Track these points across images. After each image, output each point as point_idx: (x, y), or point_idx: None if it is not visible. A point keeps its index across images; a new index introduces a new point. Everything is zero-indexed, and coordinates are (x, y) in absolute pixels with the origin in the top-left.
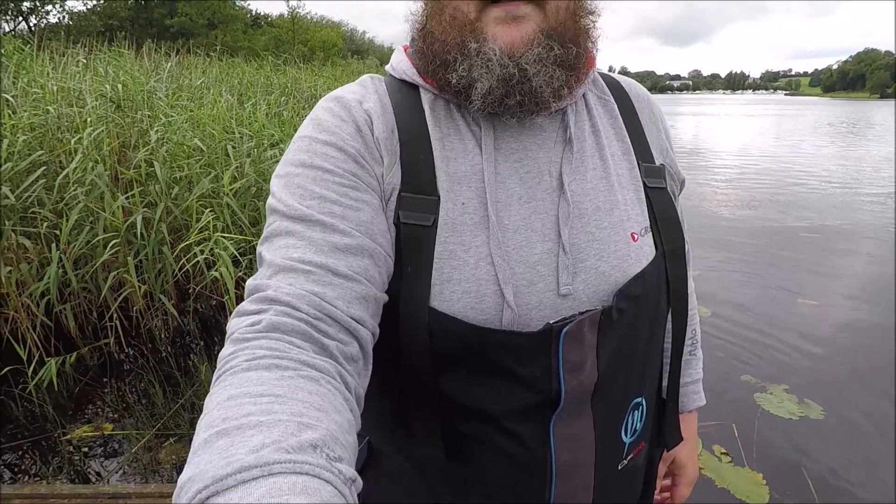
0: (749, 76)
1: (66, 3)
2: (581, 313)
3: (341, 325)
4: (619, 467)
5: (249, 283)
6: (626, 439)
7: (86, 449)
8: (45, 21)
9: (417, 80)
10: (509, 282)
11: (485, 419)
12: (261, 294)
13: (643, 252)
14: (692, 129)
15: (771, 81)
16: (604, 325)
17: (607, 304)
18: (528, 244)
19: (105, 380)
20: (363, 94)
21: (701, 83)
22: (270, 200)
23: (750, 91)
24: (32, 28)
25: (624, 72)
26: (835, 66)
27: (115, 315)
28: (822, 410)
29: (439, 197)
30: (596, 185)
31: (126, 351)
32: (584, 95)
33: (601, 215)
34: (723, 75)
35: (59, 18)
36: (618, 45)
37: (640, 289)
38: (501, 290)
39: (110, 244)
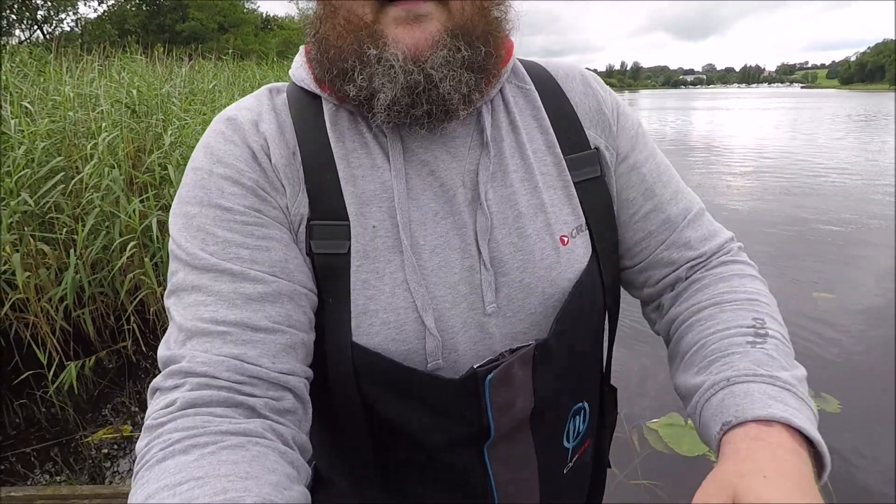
0: (764, 69)
1: (80, 10)
2: (512, 350)
3: (270, 383)
4: (565, 471)
5: (161, 351)
6: (570, 444)
7: (106, 450)
8: (59, 29)
9: (315, 89)
10: (429, 307)
11: (418, 449)
12: (175, 367)
13: (575, 256)
14: (706, 123)
15: (787, 74)
16: (539, 357)
17: (541, 338)
18: (448, 264)
19: (123, 382)
20: (259, 113)
21: (715, 77)
22: (171, 245)
23: (765, 84)
24: (47, 36)
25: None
26: (853, 58)
27: (132, 318)
28: (839, 404)
29: (348, 223)
30: (517, 189)
31: (143, 352)
32: (500, 89)
33: (524, 222)
34: (737, 69)
35: (72, 26)
36: (631, 41)
37: (577, 303)
38: (421, 318)
39: (128, 247)
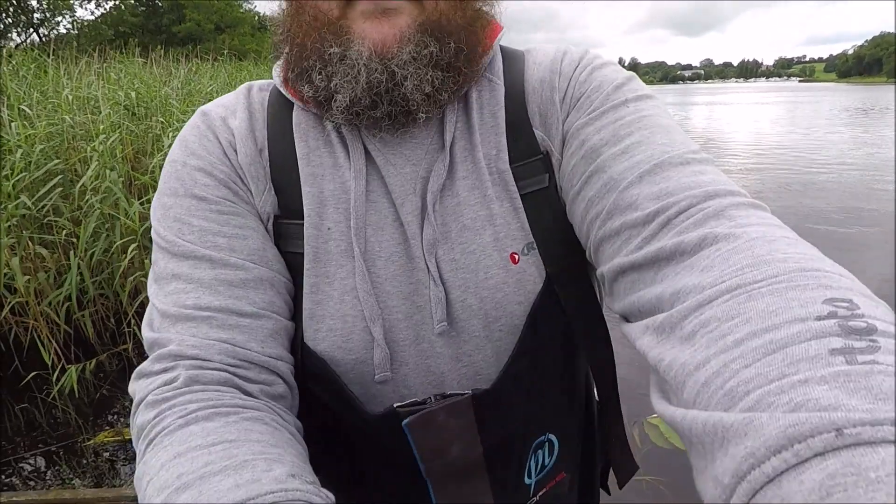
0: (762, 64)
1: (76, 13)
2: (444, 396)
3: (261, 367)
4: None
5: (146, 333)
6: (532, 480)
7: (107, 454)
8: (55, 32)
9: (281, 87)
10: (378, 318)
11: (360, 470)
12: (164, 350)
13: (526, 276)
14: (705, 119)
15: (784, 68)
16: (483, 405)
17: (479, 389)
18: (403, 273)
19: (124, 384)
20: (233, 109)
21: (713, 72)
22: (153, 235)
23: (763, 79)
24: (43, 39)
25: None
26: (850, 51)
27: (132, 320)
28: None
29: (304, 222)
30: (465, 199)
31: (145, 355)
32: None
33: (468, 236)
34: (735, 64)
35: (69, 28)
36: (629, 37)
37: (531, 342)
38: (369, 328)
39: (129, 249)
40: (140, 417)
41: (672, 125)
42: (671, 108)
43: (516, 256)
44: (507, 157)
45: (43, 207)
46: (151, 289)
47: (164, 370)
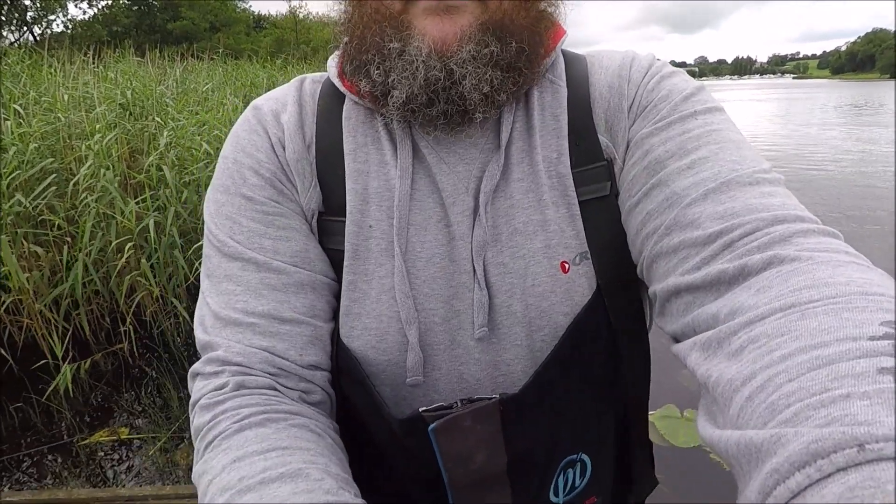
0: (756, 60)
1: (69, 11)
2: (471, 400)
3: (299, 377)
4: None
5: (199, 334)
6: (559, 499)
7: (103, 453)
8: (49, 31)
9: (336, 81)
10: (414, 321)
11: (387, 474)
12: (213, 354)
13: (575, 287)
14: None
15: (778, 65)
16: (510, 412)
17: (507, 394)
18: (444, 275)
19: (120, 384)
20: (284, 103)
21: (707, 69)
22: (205, 229)
23: (757, 75)
24: (37, 38)
25: None
26: (843, 48)
27: (128, 319)
28: None
29: (346, 219)
30: (519, 202)
31: (140, 353)
32: None
33: (519, 240)
34: (729, 61)
35: (63, 27)
36: (625, 34)
37: (569, 352)
38: (404, 329)
39: (126, 248)
40: (197, 419)
41: (742, 141)
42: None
43: (567, 265)
44: (568, 162)
45: (38, 206)
46: (204, 283)
47: (215, 373)
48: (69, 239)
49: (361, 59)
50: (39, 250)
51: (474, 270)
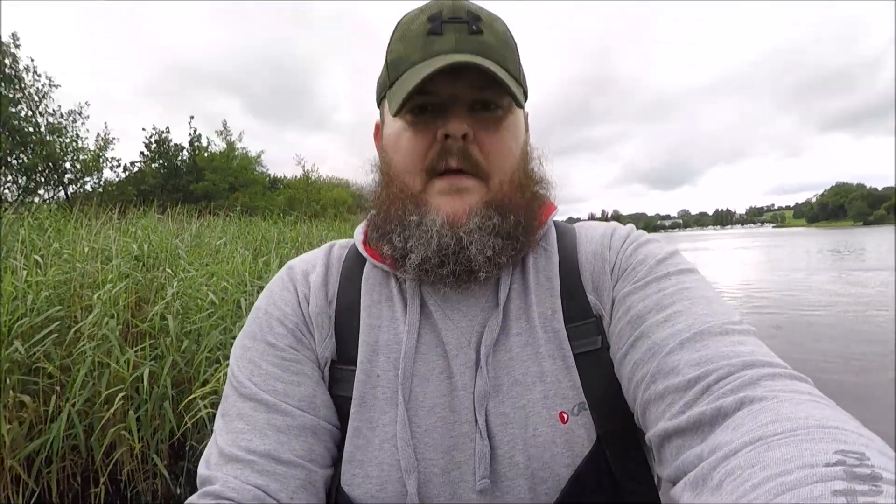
0: (735, 212)
1: (105, 175)
2: None
3: None
4: None
5: (201, 469)
6: None
7: None
8: (82, 190)
9: (361, 249)
10: (413, 470)
11: None
12: (210, 488)
13: (575, 437)
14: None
15: (756, 216)
16: None
17: None
18: (445, 425)
19: None
20: (314, 264)
21: (691, 221)
22: (229, 371)
23: (738, 225)
24: (69, 196)
25: (616, 215)
26: (814, 199)
27: (102, 480)
28: None
29: (356, 368)
30: (518, 354)
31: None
32: None
33: (519, 391)
34: (710, 213)
35: (94, 187)
36: (610, 191)
37: (571, 501)
38: (403, 479)
39: (116, 398)
40: None
41: (713, 297)
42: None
43: (565, 415)
44: (561, 318)
45: (34, 354)
46: (218, 423)
47: None
48: (58, 388)
49: (386, 229)
50: (27, 399)
51: (476, 420)
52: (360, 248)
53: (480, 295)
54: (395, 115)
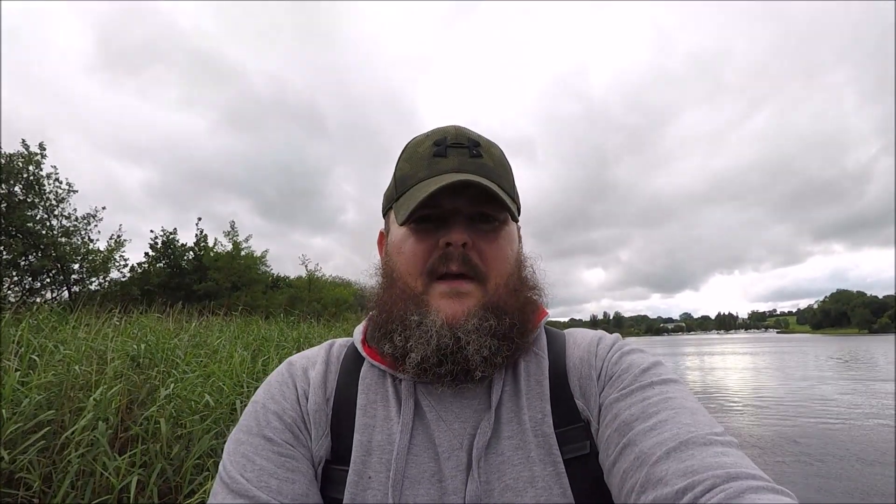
0: (738, 316)
1: (112, 275)
2: None
3: None
4: None
5: None
6: None
7: None
8: (86, 290)
9: (359, 346)
10: None
11: None
12: None
13: None
14: (699, 370)
15: (759, 321)
16: None
17: None
18: None
19: None
20: (315, 361)
21: (694, 324)
22: (220, 466)
23: (742, 330)
24: (73, 295)
25: (618, 318)
26: (815, 305)
27: None
28: None
29: (349, 469)
30: (509, 458)
31: None
32: None
33: (510, 496)
34: (713, 317)
35: (98, 287)
36: (611, 293)
37: None
38: None
39: None
40: None
41: (696, 407)
42: (664, 360)
43: None
44: (551, 422)
45: (20, 462)
46: None
47: None
48: (37, 501)
49: (388, 328)
50: None
51: None
52: (359, 347)
53: (473, 397)
54: (401, 225)
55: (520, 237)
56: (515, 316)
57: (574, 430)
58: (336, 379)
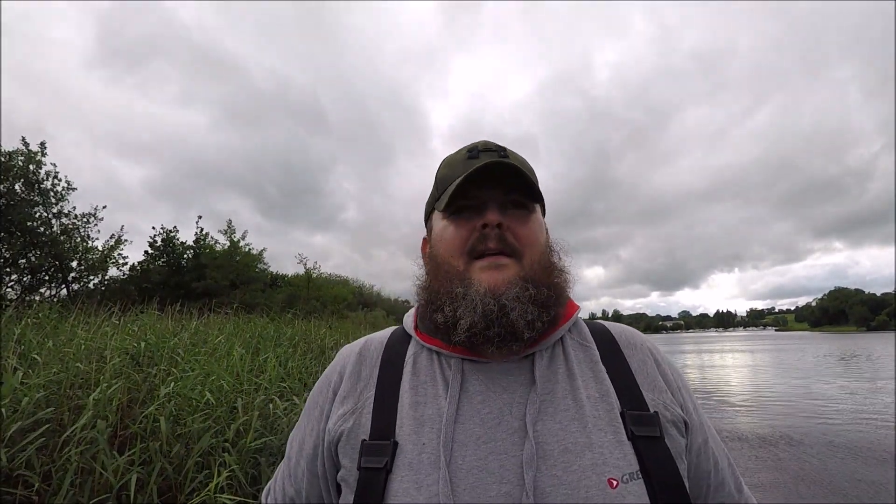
0: (736, 314)
1: (110, 272)
2: None
3: None
4: None
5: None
6: None
7: None
8: (85, 288)
9: (411, 331)
10: None
11: None
12: None
13: (625, 501)
14: (700, 368)
15: (758, 318)
16: None
17: None
18: (482, 485)
19: None
20: (365, 344)
21: (692, 322)
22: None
23: (741, 328)
24: (71, 293)
25: (617, 315)
26: (813, 303)
27: None
28: None
29: (395, 441)
30: (566, 426)
31: None
32: (561, 339)
33: (570, 457)
34: (711, 314)
35: (97, 285)
36: (611, 291)
37: None
38: None
39: None
40: None
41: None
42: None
43: (614, 482)
44: (614, 401)
45: (19, 461)
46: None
47: None
48: (36, 497)
49: (437, 303)
50: None
51: (522, 480)
52: (411, 331)
53: (517, 372)
54: (442, 211)
55: (546, 230)
56: (550, 287)
57: (644, 416)
58: (380, 362)
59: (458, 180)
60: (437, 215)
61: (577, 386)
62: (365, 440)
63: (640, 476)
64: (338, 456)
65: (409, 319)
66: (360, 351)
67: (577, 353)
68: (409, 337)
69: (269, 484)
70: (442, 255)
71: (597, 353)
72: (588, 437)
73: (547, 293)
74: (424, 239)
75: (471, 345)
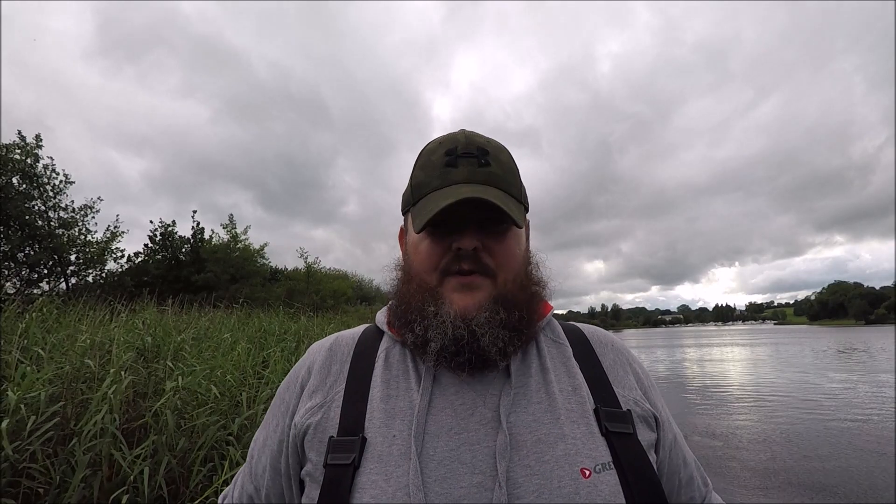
0: (736, 308)
1: (108, 266)
2: None
3: None
4: None
5: None
6: None
7: None
8: (84, 281)
9: (385, 328)
10: None
11: None
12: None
13: (597, 490)
14: (699, 362)
15: (757, 312)
16: None
17: None
18: (454, 476)
19: None
20: (336, 340)
21: (692, 316)
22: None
23: (740, 322)
24: (70, 287)
25: (616, 310)
26: (812, 297)
27: None
28: None
29: (363, 437)
30: (539, 418)
31: None
32: (535, 340)
33: (543, 448)
34: (710, 308)
35: (96, 278)
36: (610, 285)
37: None
38: None
39: (112, 499)
40: None
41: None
42: (662, 352)
43: (587, 472)
44: (585, 395)
45: (23, 455)
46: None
47: None
48: (41, 490)
49: (407, 318)
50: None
51: (495, 470)
52: (384, 329)
53: (493, 371)
54: (417, 233)
55: (527, 234)
56: (523, 308)
57: (616, 412)
58: (351, 358)
59: (431, 208)
60: (412, 219)
61: (550, 380)
62: (333, 437)
63: (613, 467)
64: (303, 450)
65: (381, 316)
66: (330, 346)
67: (550, 350)
68: (382, 333)
69: (226, 488)
70: (416, 269)
71: (570, 350)
72: (561, 428)
73: (518, 316)
74: (402, 228)
75: (439, 367)
